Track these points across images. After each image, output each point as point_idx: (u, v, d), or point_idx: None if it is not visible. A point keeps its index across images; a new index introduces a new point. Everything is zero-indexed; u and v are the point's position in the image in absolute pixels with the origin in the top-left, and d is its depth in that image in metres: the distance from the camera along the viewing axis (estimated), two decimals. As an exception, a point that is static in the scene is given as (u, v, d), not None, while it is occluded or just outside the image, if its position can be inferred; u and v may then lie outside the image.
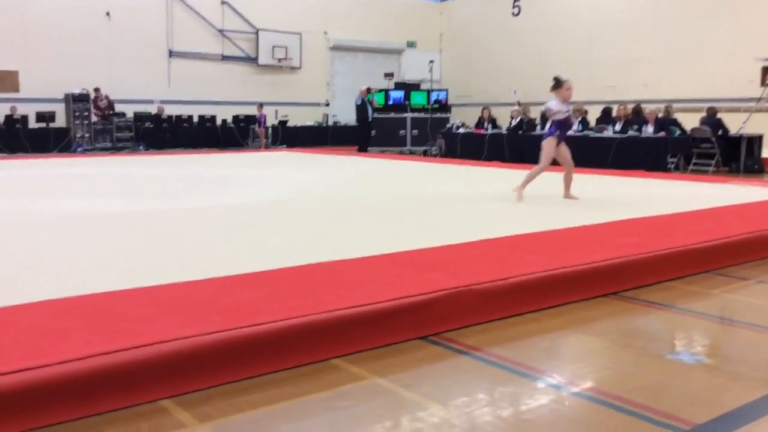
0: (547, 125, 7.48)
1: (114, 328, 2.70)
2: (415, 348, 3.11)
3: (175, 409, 2.45)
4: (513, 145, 14.26)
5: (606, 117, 14.38)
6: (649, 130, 12.64)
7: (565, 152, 7.30)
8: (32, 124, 16.10)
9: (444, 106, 19.21)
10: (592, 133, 13.28)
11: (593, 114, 14.91)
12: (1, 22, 16.06)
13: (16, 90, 16.39)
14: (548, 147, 7.19)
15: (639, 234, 4.93)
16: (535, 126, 14.76)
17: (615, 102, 15.26)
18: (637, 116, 13.49)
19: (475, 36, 22.15)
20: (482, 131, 15.51)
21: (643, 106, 14.00)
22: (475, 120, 16.70)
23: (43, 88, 16.50)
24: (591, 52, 18.90)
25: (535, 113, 15.60)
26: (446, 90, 19.79)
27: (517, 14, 21.04)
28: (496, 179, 9.85)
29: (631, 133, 12.77)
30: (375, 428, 2.35)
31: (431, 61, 20.30)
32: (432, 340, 3.20)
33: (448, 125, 16.97)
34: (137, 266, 4.07)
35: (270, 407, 2.50)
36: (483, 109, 16.59)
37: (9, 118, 15.72)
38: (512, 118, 15.49)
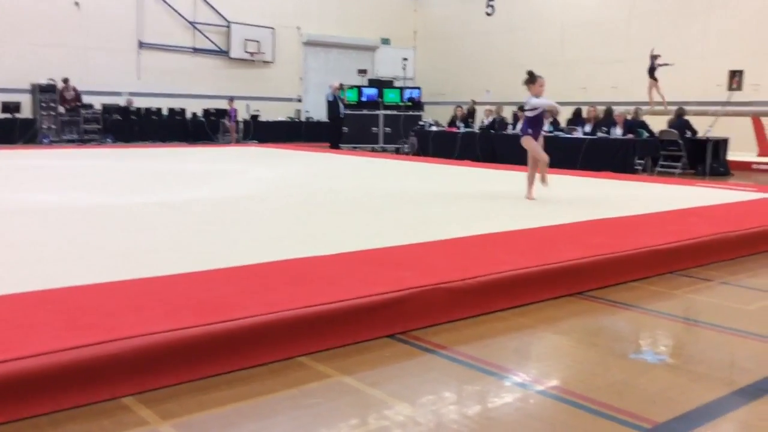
0: (519, 124, 7.52)
1: (80, 323, 2.66)
2: (383, 346, 3.10)
3: (137, 407, 2.42)
4: (485, 144, 14.34)
5: (577, 118, 14.53)
6: (617, 131, 12.80)
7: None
8: (-2, 114, 15.78)
9: (417, 104, 19.23)
10: (562, 134, 13.40)
11: (564, 115, 15.05)
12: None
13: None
14: (529, 143, 7.22)
15: (606, 234, 4.99)
16: (507, 125, 14.86)
17: (586, 103, 15.41)
18: (607, 118, 13.65)
19: (449, 34, 22.22)
20: (455, 130, 15.56)
21: (613, 108, 14.17)
22: (448, 118, 16.75)
23: (8, 78, 16.14)
24: (563, 53, 19.07)
25: (507, 113, 15.70)
26: (419, 88, 19.81)
27: (491, 14, 21.14)
28: (468, 178, 9.89)
29: (600, 134, 12.92)
30: (340, 427, 2.35)
31: (405, 59, 20.32)
32: (400, 338, 3.20)
33: (421, 123, 16.99)
34: (106, 261, 4.01)
35: (235, 405, 2.48)
36: (456, 107, 16.65)
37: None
38: (485, 116, 15.57)
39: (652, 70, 14.56)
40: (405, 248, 4.38)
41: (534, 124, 7.26)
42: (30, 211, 5.90)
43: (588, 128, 13.45)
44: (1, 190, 7.54)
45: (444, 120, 17.11)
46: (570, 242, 4.65)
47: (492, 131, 14.66)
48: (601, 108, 14.20)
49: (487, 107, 15.95)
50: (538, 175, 7.36)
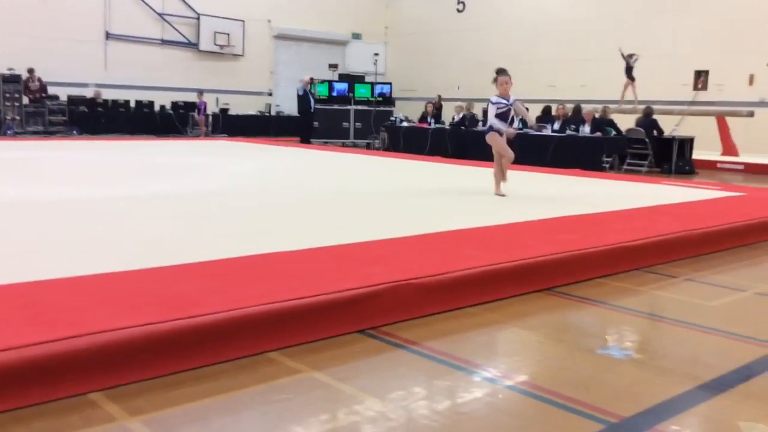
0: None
1: (45, 318, 2.61)
2: (353, 341, 3.11)
3: (105, 402, 2.39)
4: (456, 140, 14.41)
5: (546, 116, 14.67)
6: (586, 129, 12.96)
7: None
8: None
9: (388, 100, 19.24)
10: (531, 131, 13.53)
11: (533, 112, 15.18)
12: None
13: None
14: (494, 139, 7.27)
15: (573, 231, 5.05)
16: (477, 122, 14.94)
17: (555, 101, 15.58)
18: (576, 116, 13.81)
19: (420, 30, 22.25)
20: (426, 126, 15.61)
21: (582, 106, 14.34)
22: (419, 114, 16.79)
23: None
24: (533, 50, 19.24)
25: (477, 109, 15.78)
26: (390, 83, 19.82)
27: (462, 10, 21.23)
28: (439, 174, 9.93)
29: (569, 132, 13.06)
30: (311, 422, 2.34)
31: (376, 54, 20.31)
32: (370, 333, 3.20)
33: (392, 119, 17.00)
34: (69, 255, 3.94)
35: (205, 400, 2.46)
36: (427, 103, 16.70)
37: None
38: (456, 113, 15.64)
39: (629, 70, 14.74)
40: (374, 244, 4.38)
41: (501, 120, 7.29)
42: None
43: (557, 126, 13.58)
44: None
45: (415, 116, 17.15)
46: (538, 239, 4.70)
47: (462, 128, 14.73)
48: (570, 106, 14.36)
49: (458, 104, 16.02)
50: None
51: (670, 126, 14.27)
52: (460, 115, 15.28)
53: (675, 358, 3.09)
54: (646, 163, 12.86)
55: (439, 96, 18.42)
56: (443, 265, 3.72)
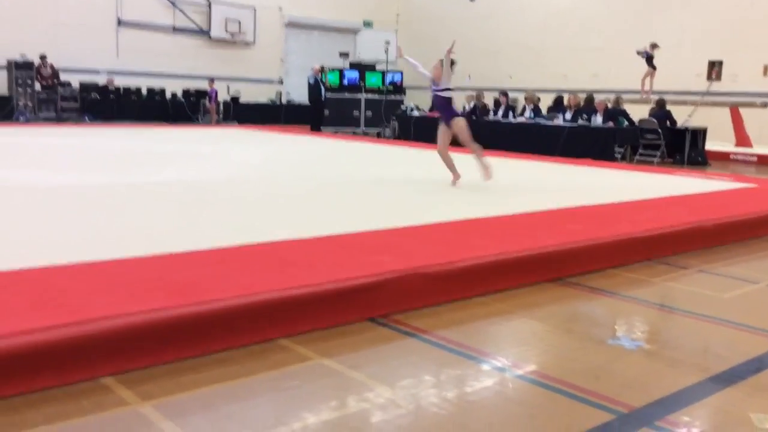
0: (500, 110, 7.49)
1: (55, 303, 2.63)
2: (362, 329, 3.11)
3: (117, 387, 2.40)
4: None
5: (558, 105, 14.58)
6: (598, 119, 12.88)
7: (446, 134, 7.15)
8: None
9: (399, 88, 19.15)
10: (542, 121, 13.46)
11: (545, 102, 15.10)
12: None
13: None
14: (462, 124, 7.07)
15: (585, 221, 5.03)
16: (488, 111, 14.88)
17: (566, 91, 15.47)
18: (588, 106, 13.72)
19: (432, 19, 22.13)
20: (436, 115, 15.54)
21: (594, 95, 14.24)
22: (430, 103, 16.71)
23: (-15, 54, 15.83)
24: (544, 40, 19.08)
25: (488, 99, 15.71)
26: (401, 72, 19.74)
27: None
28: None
29: (580, 122, 12.98)
30: (321, 408, 2.35)
31: (387, 42, 20.20)
32: (380, 321, 3.21)
33: (403, 107, 16.94)
34: (79, 241, 3.96)
35: (215, 386, 2.47)
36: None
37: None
38: (466, 102, 15.57)
39: (650, 59, 14.60)
40: (382, 233, 4.38)
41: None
42: (2, 189, 5.80)
43: (569, 116, 13.50)
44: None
45: (426, 105, 17.08)
46: (549, 228, 4.68)
47: (473, 117, 14.67)
48: (582, 96, 14.26)
49: (468, 93, 15.94)
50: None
51: (683, 117, 14.15)
52: (471, 105, 15.21)
53: (686, 350, 3.07)
54: (658, 153, 12.77)
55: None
56: (452, 254, 3.72)
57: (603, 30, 17.84)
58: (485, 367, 2.79)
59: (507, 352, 2.98)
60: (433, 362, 2.81)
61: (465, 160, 7.38)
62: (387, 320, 3.22)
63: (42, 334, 2.35)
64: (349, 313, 3.13)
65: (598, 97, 13.55)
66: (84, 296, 2.74)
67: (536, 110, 14.13)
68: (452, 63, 6.93)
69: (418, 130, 15.29)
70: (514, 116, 14.29)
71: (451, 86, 6.94)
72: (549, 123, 13.26)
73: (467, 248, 3.91)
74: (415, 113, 16.07)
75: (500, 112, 14.57)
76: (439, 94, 6.94)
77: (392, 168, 9.16)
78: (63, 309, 2.56)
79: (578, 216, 5.33)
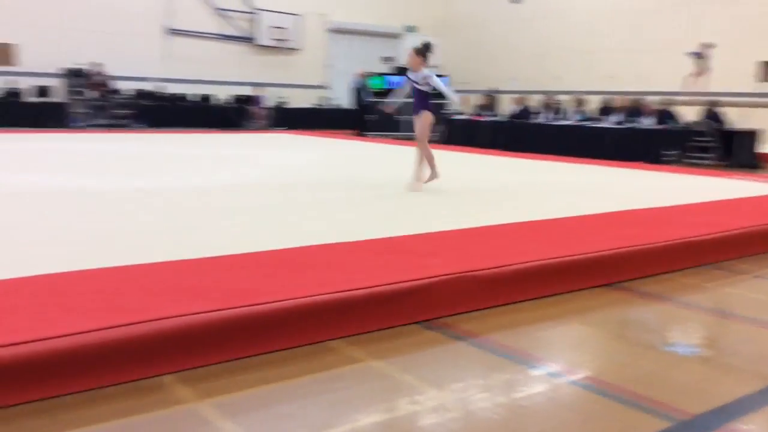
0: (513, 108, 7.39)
1: (116, 303, 2.70)
2: (412, 332, 3.12)
3: (175, 385, 2.46)
4: (511, 133, 14.26)
5: (605, 108, 14.39)
6: (646, 121, 12.65)
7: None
8: (30, 98, 15.99)
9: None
10: (589, 123, 13.28)
11: (592, 104, 14.91)
12: (0, -6, 15.91)
13: (15, 63, 16.25)
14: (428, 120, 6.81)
15: (637, 225, 4.94)
16: (534, 114, 14.75)
17: (614, 92, 15.24)
18: (636, 108, 13.50)
19: (476, 22, 22.05)
20: (481, 118, 15.49)
21: (642, 97, 13.99)
22: (474, 107, 16.67)
23: (41, 63, 16.35)
24: (591, 41, 18.82)
25: (534, 101, 15.57)
26: (445, 76, 19.72)
27: (518, 1, 20.92)
28: (494, 167, 9.85)
29: (628, 124, 12.78)
30: (371, 410, 2.37)
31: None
32: (429, 325, 3.21)
33: (446, 111, 16.92)
34: (135, 242, 4.06)
35: (268, 386, 2.51)
36: (483, 96, 16.56)
37: (7, 92, 15.61)
38: (516, 105, 15.48)
39: (701, 59, 14.26)
40: (432, 236, 4.38)
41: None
42: (58, 193, 5.98)
43: (617, 118, 13.30)
44: (38, 172, 7.65)
45: (470, 108, 17.02)
46: (600, 233, 4.62)
47: (519, 120, 14.57)
48: (630, 97, 14.03)
49: (515, 96, 15.84)
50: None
51: (734, 118, 13.79)
52: (518, 108, 15.10)
53: (744, 356, 3.00)
54: (708, 156, 12.47)
55: (494, 89, 18.25)
56: (503, 258, 3.70)
57: (651, 30, 17.52)
58: (536, 371, 2.76)
59: (558, 357, 2.96)
60: (483, 366, 2.80)
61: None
62: (436, 324, 3.22)
63: (105, 333, 2.42)
64: (398, 316, 3.14)
65: (646, 99, 13.30)
66: (142, 296, 2.81)
67: (583, 113, 13.96)
68: (429, 49, 6.63)
69: (461, 134, 15.26)
70: (561, 119, 14.14)
71: (429, 82, 6.60)
72: (596, 125, 13.07)
73: (518, 252, 3.89)
74: (459, 117, 16.02)
75: (546, 115, 14.43)
76: (417, 87, 6.64)
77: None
78: (122, 310, 2.63)
79: (629, 219, 5.24)
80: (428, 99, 6.72)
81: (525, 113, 14.77)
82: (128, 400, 2.34)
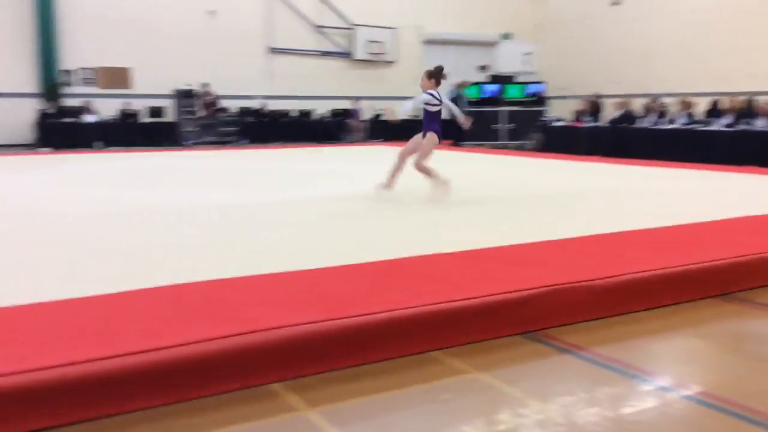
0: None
1: (225, 315, 2.85)
2: (516, 344, 3.10)
3: (285, 393, 2.56)
4: (614, 139, 13.83)
5: (713, 109, 13.72)
6: (760, 123, 11.96)
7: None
8: (144, 118, 17.00)
9: (540, 99, 18.84)
10: (697, 127, 12.71)
11: (701, 106, 14.25)
12: (118, 21, 17.02)
13: (130, 86, 17.36)
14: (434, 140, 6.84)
15: (753, 233, 4.70)
16: (636, 119, 14.27)
17: (724, 93, 14.51)
18: (748, 109, 12.79)
19: (574, 26, 21.57)
20: (581, 124, 15.13)
21: (755, 98, 13.25)
22: (573, 113, 16.30)
23: (154, 85, 17.36)
24: (699, 40, 18.01)
25: (637, 106, 15.06)
26: (543, 82, 19.41)
27: (618, 3, 20.32)
28: (595, 174, 9.60)
29: (740, 126, 12.13)
30: (476, 422, 2.38)
31: (527, 53, 19.95)
32: (533, 336, 3.18)
33: (545, 118, 16.64)
34: (240, 255, 4.24)
35: (375, 396, 2.57)
36: (581, 101, 16.17)
37: (123, 113, 16.67)
38: (617, 110, 15.02)
39: None
40: (535, 245, 4.33)
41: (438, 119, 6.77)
42: (172, 210, 6.30)
43: (727, 120, 12.66)
44: (152, 188, 8.12)
45: (569, 114, 16.66)
46: (713, 241, 4.42)
47: (621, 125, 14.13)
48: (741, 98, 13.32)
49: (616, 100, 15.37)
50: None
51: None
52: (618, 113, 14.64)
53: None
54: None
55: (597, 94, 17.77)
56: (609, 268, 3.62)
57: (762, 27, 16.58)
58: (646, 385, 2.69)
59: (669, 371, 2.86)
60: (589, 379, 2.75)
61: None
62: (540, 335, 3.19)
63: (218, 343, 2.56)
64: (502, 327, 3.14)
65: (760, 100, 12.58)
66: (251, 307, 2.95)
67: (689, 116, 13.37)
68: (441, 73, 6.76)
69: (561, 141, 14.93)
70: (666, 123, 13.60)
71: (434, 101, 6.65)
72: (705, 129, 12.49)
73: (625, 262, 3.79)
74: (559, 124, 15.72)
75: (650, 119, 13.92)
76: (425, 107, 6.72)
77: (537, 180, 9.00)
78: (234, 320, 2.77)
79: (745, 227, 4.99)
80: (434, 120, 6.78)
81: (628, 118, 14.30)
82: (241, 406, 2.46)
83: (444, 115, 6.92)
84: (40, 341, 2.55)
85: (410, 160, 6.96)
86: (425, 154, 6.83)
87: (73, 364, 2.34)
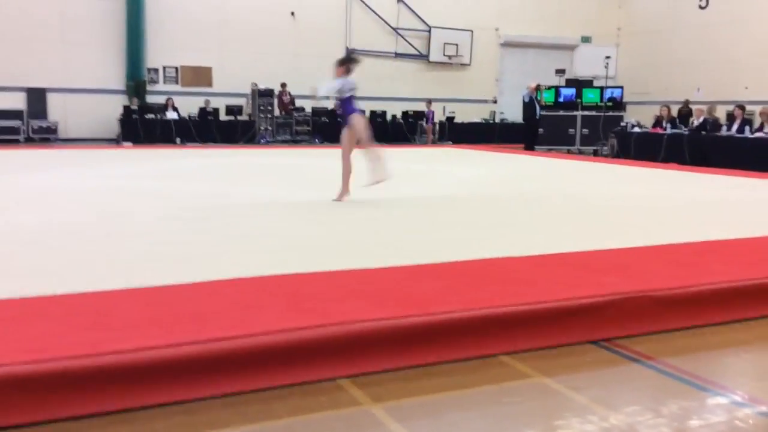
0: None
1: (302, 307, 2.93)
2: (584, 351, 3.06)
3: (351, 388, 2.61)
4: (694, 146, 13.37)
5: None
6: None
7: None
8: (222, 116, 17.52)
9: (618, 104, 18.38)
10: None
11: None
12: (201, 22, 17.61)
13: (210, 85, 17.93)
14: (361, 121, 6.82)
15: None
16: (720, 126, 13.74)
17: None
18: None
19: (657, 30, 20.95)
20: (660, 131, 14.68)
21: None
22: (652, 119, 15.83)
23: (232, 84, 17.87)
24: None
25: (720, 112, 14.52)
26: (621, 87, 18.93)
27: (705, 6, 19.62)
28: (675, 182, 9.31)
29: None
30: (539, 428, 2.37)
31: (607, 57, 19.50)
32: (603, 345, 3.13)
33: (622, 124, 16.23)
34: (315, 252, 4.33)
35: (439, 395, 2.59)
36: (662, 107, 15.69)
37: (203, 111, 17.22)
38: (695, 117, 14.53)
39: None
40: (608, 252, 4.26)
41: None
42: (256, 205, 6.48)
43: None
44: (232, 184, 8.37)
45: (648, 120, 16.19)
46: (796, 255, 4.24)
47: (703, 132, 13.65)
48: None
49: (698, 107, 14.86)
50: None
51: None
52: (701, 119, 14.15)
53: None
54: None
55: (687, 101, 17.23)
56: (685, 278, 3.53)
57: None
58: (718, 399, 2.62)
59: (744, 386, 2.77)
60: (659, 390, 2.69)
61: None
62: (610, 344, 3.14)
63: (291, 334, 2.64)
64: (572, 333, 3.10)
65: None
66: (327, 301, 3.02)
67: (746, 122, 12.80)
68: (351, 59, 6.85)
69: (639, 148, 14.54)
70: (751, 131, 13.05)
71: (343, 87, 6.70)
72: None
73: (703, 272, 3.68)
74: (636, 130, 15.29)
75: (734, 127, 13.39)
76: (337, 96, 6.81)
77: (612, 186, 8.80)
78: (311, 312, 2.84)
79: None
80: (349, 104, 6.80)
81: (710, 125, 13.79)
82: (306, 398, 2.52)
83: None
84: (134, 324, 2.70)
85: (356, 155, 6.87)
86: (363, 134, 6.78)
87: (168, 346, 2.46)
